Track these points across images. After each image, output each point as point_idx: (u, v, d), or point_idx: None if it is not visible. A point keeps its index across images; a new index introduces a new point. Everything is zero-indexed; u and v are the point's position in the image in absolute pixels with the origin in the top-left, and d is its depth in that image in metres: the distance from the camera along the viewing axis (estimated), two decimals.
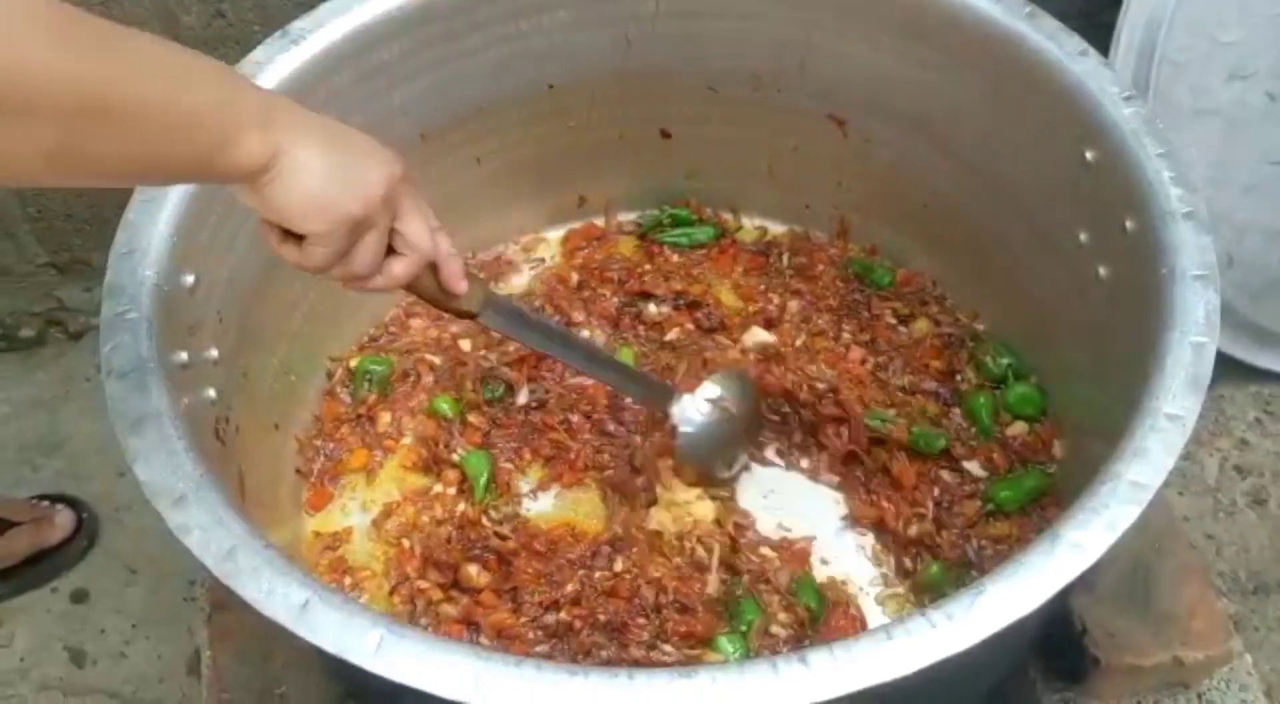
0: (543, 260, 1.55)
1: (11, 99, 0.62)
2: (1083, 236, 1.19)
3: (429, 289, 0.96)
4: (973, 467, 1.30)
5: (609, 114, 1.46)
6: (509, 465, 1.33)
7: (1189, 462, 1.92)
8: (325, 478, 1.33)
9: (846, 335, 1.42)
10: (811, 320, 1.44)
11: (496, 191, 1.48)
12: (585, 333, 1.43)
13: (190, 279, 1.07)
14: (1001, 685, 1.24)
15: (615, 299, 1.47)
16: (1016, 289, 1.34)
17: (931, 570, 1.22)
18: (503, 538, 1.24)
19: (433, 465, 1.32)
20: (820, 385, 1.34)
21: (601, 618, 1.17)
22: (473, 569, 1.21)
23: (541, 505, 1.32)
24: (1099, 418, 1.11)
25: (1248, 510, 1.90)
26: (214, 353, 1.11)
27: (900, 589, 1.24)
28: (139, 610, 1.81)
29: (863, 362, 1.38)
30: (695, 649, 1.15)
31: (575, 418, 1.35)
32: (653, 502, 1.27)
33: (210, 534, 0.87)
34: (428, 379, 1.40)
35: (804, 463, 1.35)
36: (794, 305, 1.46)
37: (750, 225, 1.58)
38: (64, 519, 1.82)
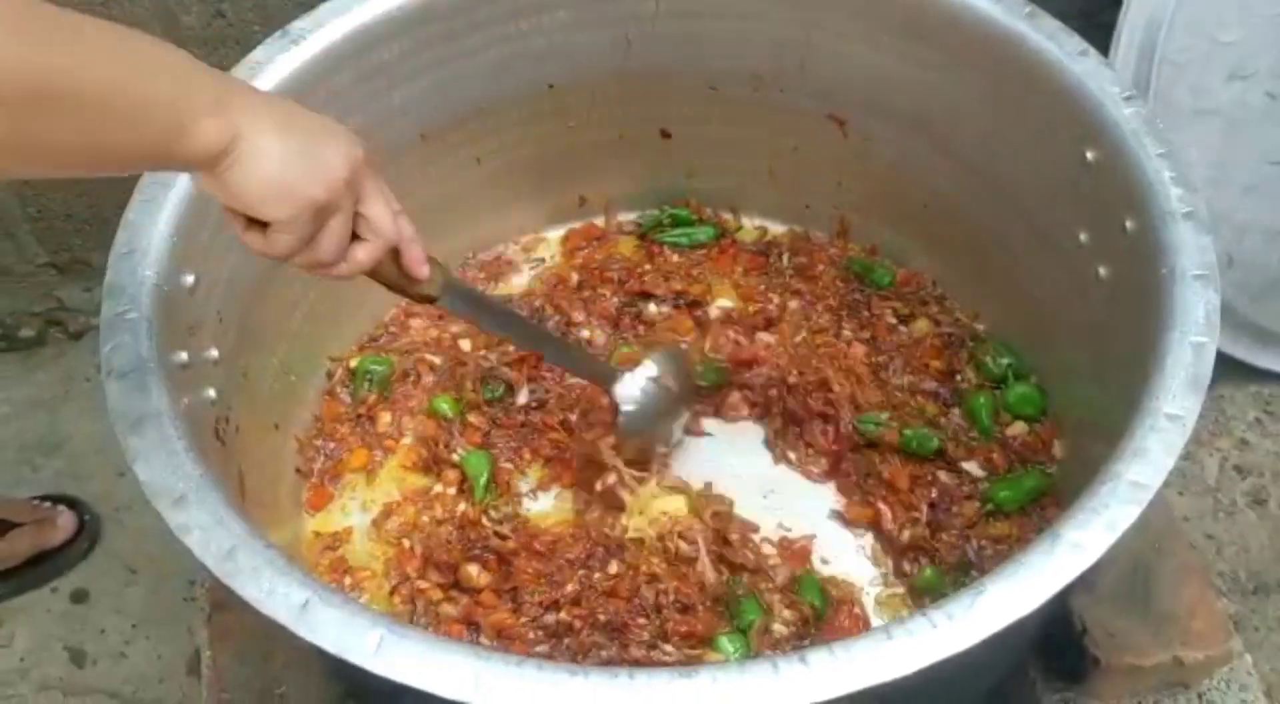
0: (543, 260, 1.55)
1: None
2: (1083, 236, 1.19)
3: (389, 274, 0.95)
4: (972, 467, 1.30)
5: (609, 114, 1.46)
6: (509, 465, 1.33)
7: (1189, 462, 1.92)
8: (325, 478, 1.33)
9: (848, 332, 1.42)
10: (812, 319, 1.44)
11: (496, 191, 1.48)
12: (585, 333, 1.43)
13: (190, 279, 1.07)
14: (1001, 685, 1.24)
15: (615, 299, 1.47)
16: (1016, 289, 1.34)
17: (926, 574, 1.22)
18: (503, 538, 1.24)
19: (433, 465, 1.32)
20: (811, 379, 1.34)
21: (602, 618, 1.17)
22: (473, 569, 1.21)
23: (541, 505, 1.32)
24: (1099, 418, 1.11)
25: (1248, 510, 1.90)
26: (214, 353, 1.11)
27: (899, 590, 1.24)
28: (139, 610, 1.81)
29: (864, 359, 1.38)
30: (696, 649, 1.15)
31: (575, 418, 1.35)
32: (620, 506, 1.27)
33: (210, 534, 0.87)
34: (428, 379, 1.40)
35: (791, 455, 1.35)
36: (794, 305, 1.46)
37: (750, 225, 1.58)
38: (66, 521, 1.82)
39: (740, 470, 1.34)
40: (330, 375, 1.41)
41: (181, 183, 1.08)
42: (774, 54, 1.38)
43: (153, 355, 0.98)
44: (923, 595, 1.21)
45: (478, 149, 1.43)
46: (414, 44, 1.27)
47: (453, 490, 1.30)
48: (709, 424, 1.40)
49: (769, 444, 1.36)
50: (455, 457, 1.31)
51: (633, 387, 1.24)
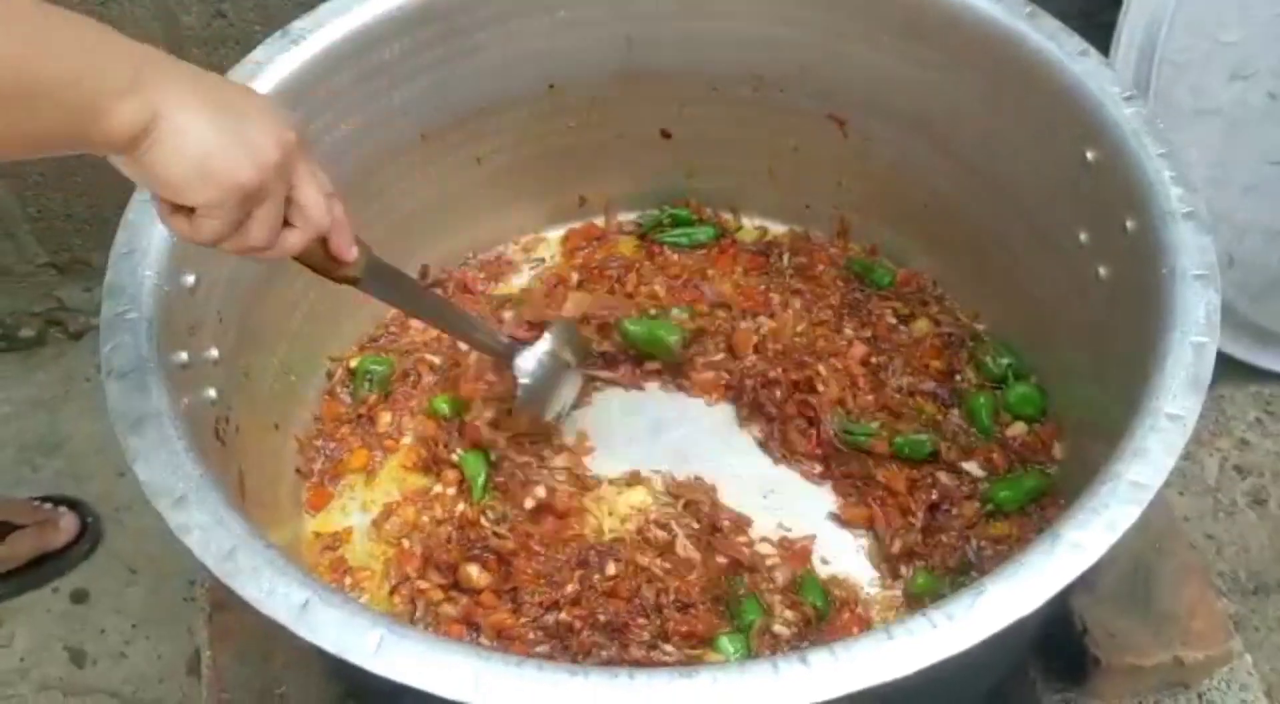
0: (543, 260, 1.55)
1: None
2: (1083, 236, 1.19)
3: (315, 256, 0.91)
4: (972, 467, 1.30)
5: (609, 114, 1.46)
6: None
7: (1189, 462, 1.92)
8: (325, 478, 1.33)
9: (848, 332, 1.42)
10: (813, 313, 1.44)
11: (496, 191, 1.48)
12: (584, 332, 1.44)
13: (190, 279, 1.07)
14: (1001, 685, 1.24)
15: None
16: (1016, 289, 1.34)
17: (919, 581, 1.21)
18: (502, 538, 1.23)
19: (432, 465, 1.32)
20: (794, 377, 1.35)
21: (602, 618, 1.17)
22: (473, 569, 1.21)
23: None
24: (1099, 418, 1.11)
25: (1248, 510, 1.90)
26: (214, 353, 1.11)
27: (897, 591, 1.24)
28: (139, 610, 1.81)
29: (864, 361, 1.38)
30: (696, 649, 1.15)
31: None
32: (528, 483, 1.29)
33: (210, 534, 0.87)
34: (428, 379, 1.40)
35: (773, 446, 1.35)
36: (794, 305, 1.46)
37: (750, 225, 1.58)
38: (68, 523, 1.82)
39: (740, 470, 1.34)
40: (330, 375, 1.41)
41: None
42: (774, 54, 1.38)
43: (153, 355, 0.98)
44: (917, 601, 1.21)
45: (478, 149, 1.43)
46: (414, 44, 1.27)
47: (452, 490, 1.30)
48: (692, 408, 1.40)
49: (764, 445, 1.36)
50: (454, 457, 1.31)
51: (531, 360, 1.26)
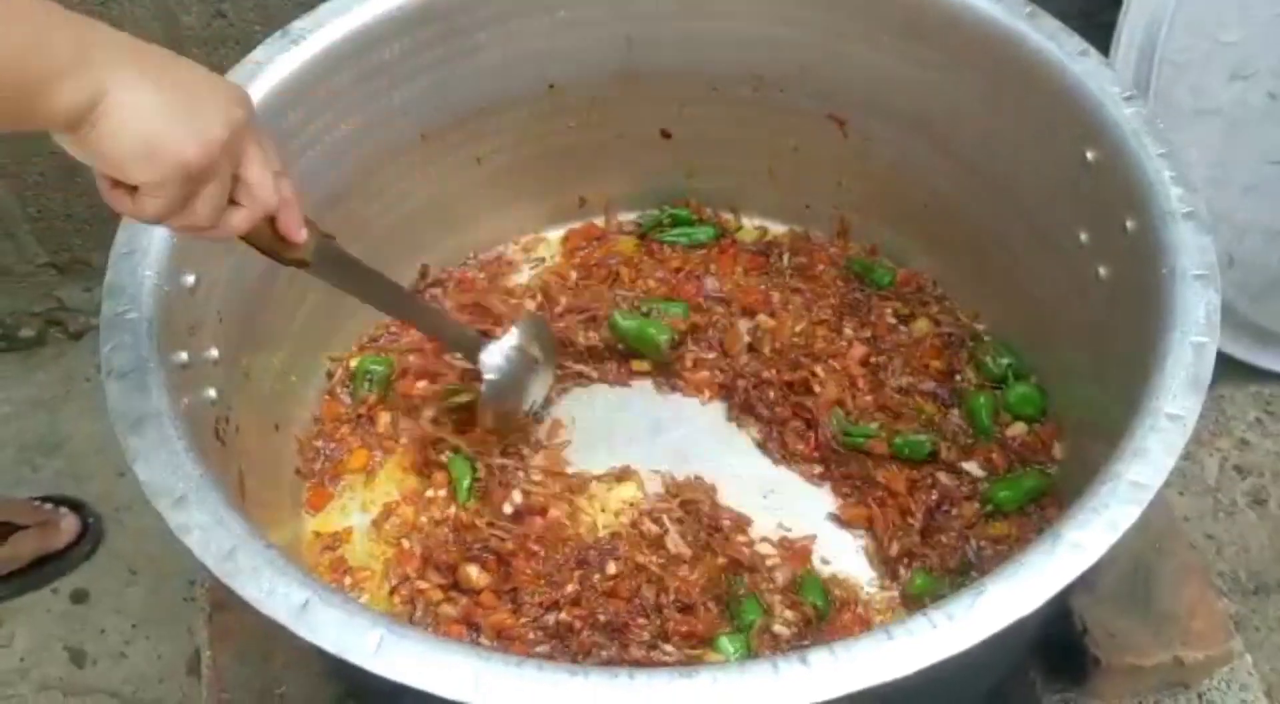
0: (543, 260, 1.55)
1: None
2: (1083, 236, 1.19)
3: (263, 237, 0.89)
4: (971, 467, 1.30)
5: (609, 114, 1.46)
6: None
7: (1189, 462, 1.92)
8: (325, 478, 1.33)
9: (848, 332, 1.42)
10: (813, 312, 1.44)
11: (496, 191, 1.48)
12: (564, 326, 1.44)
13: (190, 279, 1.07)
14: (1001, 685, 1.24)
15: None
16: (1016, 289, 1.34)
17: (917, 582, 1.21)
18: (501, 538, 1.23)
19: (424, 468, 1.32)
20: (788, 378, 1.35)
21: (602, 618, 1.17)
22: (472, 570, 1.21)
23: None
24: (1099, 418, 1.11)
25: (1248, 510, 1.90)
26: (214, 353, 1.11)
27: (896, 592, 1.24)
28: (139, 610, 1.81)
29: (864, 361, 1.38)
30: (696, 649, 1.15)
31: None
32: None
33: (210, 534, 0.87)
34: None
35: (772, 447, 1.35)
36: (794, 304, 1.46)
37: (750, 225, 1.58)
38: (69, 524, 1.82)
39: (740, 470, 1.34)
40: (330, 375, 1.41)
41: None
42: (774, 54, 1.38)
43: (153, 355, 0.98)
44: (916, 601, 1.21)
45: (478, 149, 1.43)
46: (414, 44, 1.27)
47: (443, 493, 1.29)
48: (688, 407, 1.40)
49: (763, 445, 1.36)
50: (445, 458, 1.31)
51: (497, 355, 1.24)
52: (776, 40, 1.36)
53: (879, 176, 1.44)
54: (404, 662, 0.79)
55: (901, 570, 1.24)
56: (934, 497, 1.27)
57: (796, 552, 1.26)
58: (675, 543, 1.23)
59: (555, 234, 1.57)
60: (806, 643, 1.16)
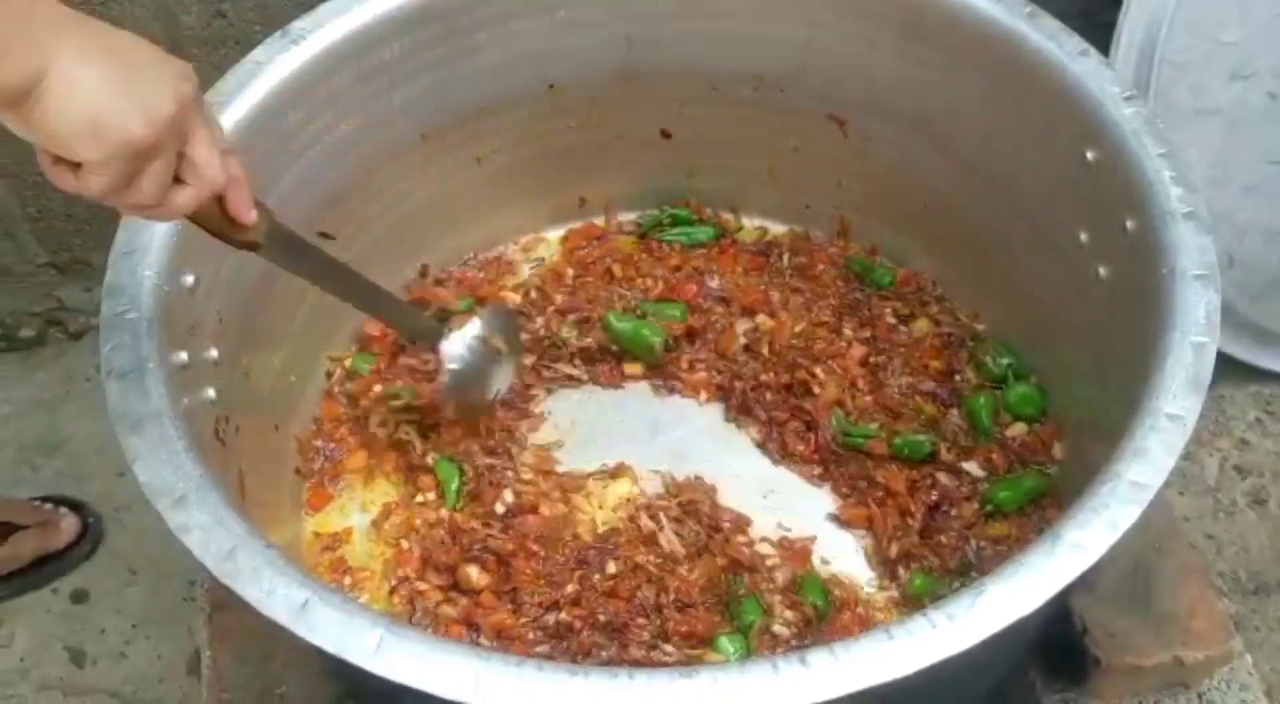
0: (542, 260, 1.55)
1: None
2: (1083, 236, 1.19)
3: (211, 218, 0.87)
4: (971, 467, 1.30)
5: (609, 114, 1.46)
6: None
7: (1189, 462, 1.92)
8: (325, 478, 1.33)
9: (848, 332, 1.42)
10: (813, 312, 1.44)
11: (496, 191, 1.48)
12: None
13: (190, 279, 1.07)
14: (1002, 685, 1.24)
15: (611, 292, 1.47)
16: (1016, 289, 1.34)
17: (916, 582, 1.21)
18: (500, 538, 1.23)
19: (409, 473, 1.32)
20: (785, 379, 1.35)
21: (601, 618, 1.17)
22: (472, 570, 1.21)
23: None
24: (1099, 418, 1.11)
25: (1248, 510, 1.90)
26: (214, 353, 1.11)
27: (895, 592, 1.24)
28: (139, 610, 1.81)
29: (863, 361, 1.38)
30: (696, 649, 1.15)
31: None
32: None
33: (210, 534, 0.87)
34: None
35: (771, 448, 1.35)
36: (794, 304, 1.46)
37: (750, 225, 1.58)
38: (69, 524, 1.82)
39: (740, 470, 1.34)
40: (330, 375, 1.41)
41: None
42: (774, 54, 1.38)
43: (153, 355, 0.98)
44: (915, 602, 1.21)
45: (478, 149, 1.43)
46: (414, 44, 1.27)
47: (431, 496, 1.29)
48: (688, 408, 1.40)
49: (762, 446, 1.36)
50: (430, 461, 1.30)
51: (459, 345, 1.23)
52: (776, 40, 1.36)
53: (879, 176, 1.44)
54: (404, 662, 0.79)
55: (901, 571, 1.24)
56: (934, 497, 1.27)
57: (796, 552, 1.26)
58: (669, 540, 1.23)
59: (555, 234, 1.57)
60: (806, 643, 1.16)
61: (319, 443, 1.35)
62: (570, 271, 1.50)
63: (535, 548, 1.22)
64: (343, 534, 1.28)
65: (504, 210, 1.52)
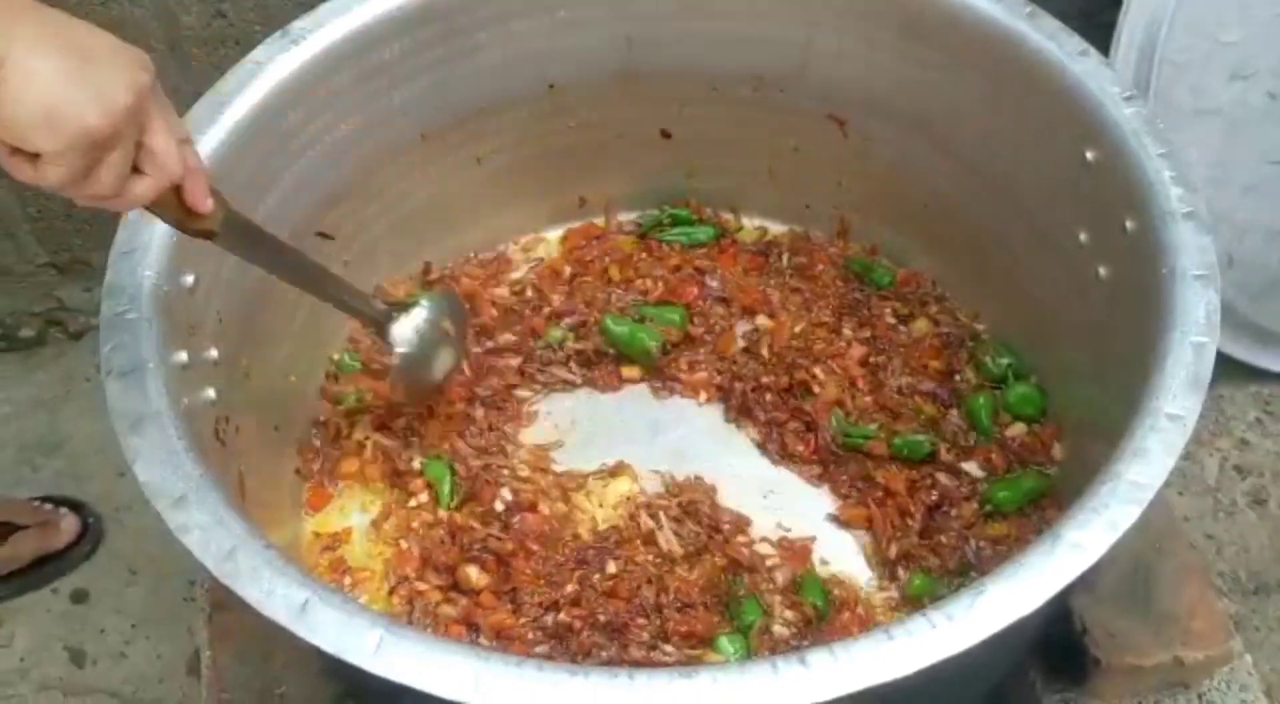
0: (542, 260, 1.55)
1: None
2: (1083, 236, 1.19)
3: (168, 206, 0.87)
4: (971, 467, 1.30)
5: (609, 114, 1.46)
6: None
7: (1189, 462, 1.92)
8: (324, 478, 1.33)
9: (847, 332, 1.42)
10: (813, 312, 1.44)
11: (496, 191, 1.48)
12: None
13: (190, 279, 1.07)
14: (1001, 685, 1.24)
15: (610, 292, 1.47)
16: (1016, 289, 1.34)
17: (916, 582, 1.21)
18: (500, 538, 1.23)
19: (394, 479, 1.31)
20: (784, 380, 1.35)
21: (601, 618, 1.17)
22: (472, 570, 1.21)
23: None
24: (1099, 418, 1.11)
25: (1248, 510, 1.90)
26: (214, 353, 1.11)
27: (895, 593, 1.24)
28: (139, 610, 1.81)
29: (863, 361, 1.38)
30: (696, 649, 1.15)
31: None
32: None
33: (210, 534, 0.87)
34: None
35: (771, 448, 1.35)
36: (794, 304, 1.46)
37: (750, 225, 1.58)
38: (69, 524, 1.82)
39: (740, 470, 1.34)
40: (329, 376, 1.40)
41: None
42: (774, 54, 1.38)
43: (153, 355, 0.98)
44: (915, 602, 1.21)
45: (478, 149, 1.43)
46: (414, 44, 1.27)
47: (424, 497, 1.29)
48: (688, 409, 1.40)
49: (762, 446, 1.36)
50: (416, 465, 1.30)
51: (408, 328, 1.22)
52: (776, 40, 1.36)
53: (879, 176, 1.44)
54: (403, 662, 0.79)
55: (901, 571, 1.24)
56: (933, 497, 1.27)
57: (796, 552, 1.26)
58: (669, 540, 1.23)
59: (555, 234, 1.57)
60: (806, 643, 1.16)
61: (318, 443, 1.35)
62: (568, 270, 1.49)
63: (535, 548, 1.22)
64: (342, 534, 1.28)
65: (504, 210, 1.52)
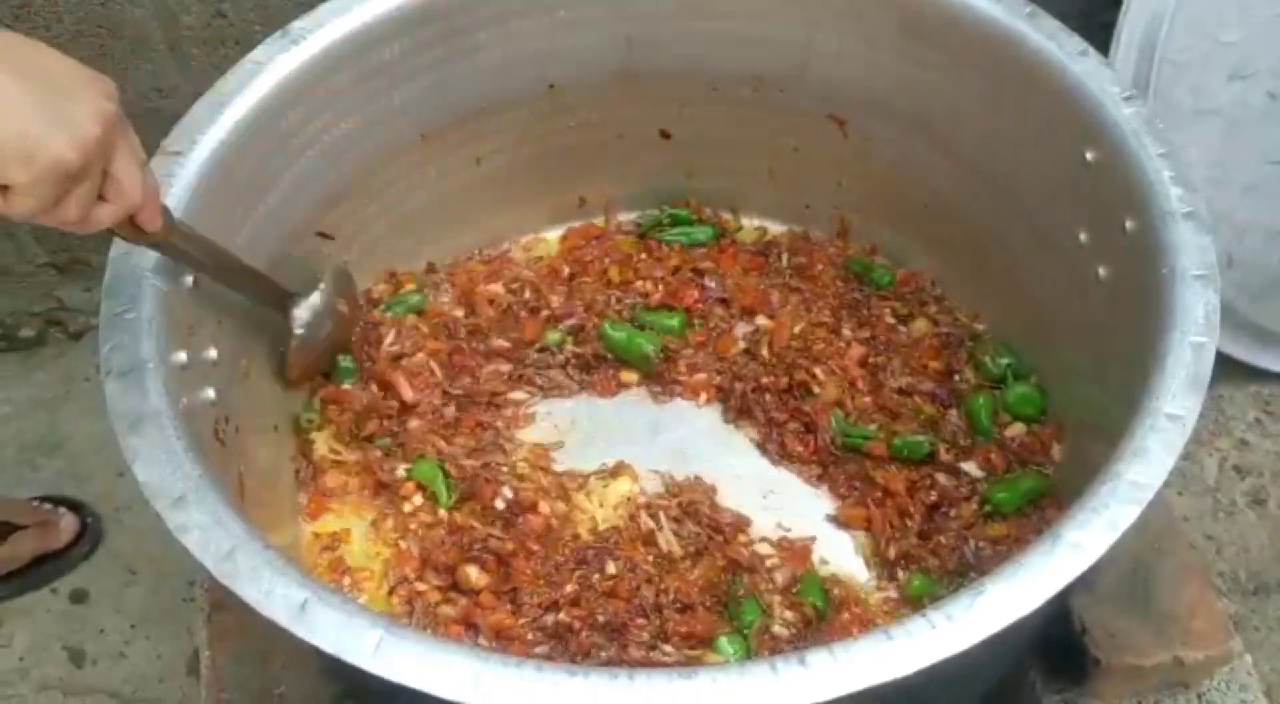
0: (541, 259, 1.55)
1: None
2: (1083, 236, 1.19)
3: (121, 225, 0.88)
4: (970, 467, 1.30)
5: (609, 114, 1.45)
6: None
7: (1189, 462, 1.93)
8: (318, 497, 1.31)
9: (847, 332, 1.42)
10: (812, 313, 1.44)
11: (496, 191, 1.48)
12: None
13: (190, 279, 1.07)
14: (1002, 685, 1.24)
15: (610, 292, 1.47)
16: (1016, 289, 1.34)
17: (915, 583, 1.21)
18: (500, 538, 1.23)
19: (381, 491, 1.30)
20: (784, 381, 1.35)
21: (601, 619, 1.17)
22: (471, 570, 1.21)
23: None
24: (1099, 418, 1.11)
25: (1248, 510, 1.90)
26: (213, 353, 1.11)
27: (894, 593, 1.24)
28: (139, 610, 1.81)
29: (863, 361, 1.38)
30: (695, 649, 1.15)
31: None
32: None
33: (209, 534, 0.87)
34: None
35: (771, 449, 1.35)
36: (794, 303, 1.45)
37: (750, 225, 1.58)
38: (68, 523, 1.82)
39: (740, 471, 1.34)
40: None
41: (181, 183, 1.08)
42: (774, 54, 1.38)
43: (152, 355, 0.98)
44: (914, 603, 1.20)
45: (478, 149, 1.43)
46: (414, 44, 1.27)
47: (419, 499, 1.28)
48: (688, 409, 1.40)
49: (762, 446, 1.36)
50: (401, 472, 1.29)
51: (306, 311, 1.26)
52: (776, 40, 1.36)
53: (879, 176, 1.44)
54: (403, 662, 0.78)
55: (900, 571, 1.23)
56: (933, 497, 1.27)
57: (796, 552, 1.26)
58: (669, 541, 1.23)
59: (555, 234, 1.57)
60: (806, 643, 1.16)
61: (297, 468, 1.32)
62: (567, 270, 1.49)
63: (535, 548, 1.22)
64: (342, 534, 1.28)
65: (504, 210, 1.52)
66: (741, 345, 1.41)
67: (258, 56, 1.18)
